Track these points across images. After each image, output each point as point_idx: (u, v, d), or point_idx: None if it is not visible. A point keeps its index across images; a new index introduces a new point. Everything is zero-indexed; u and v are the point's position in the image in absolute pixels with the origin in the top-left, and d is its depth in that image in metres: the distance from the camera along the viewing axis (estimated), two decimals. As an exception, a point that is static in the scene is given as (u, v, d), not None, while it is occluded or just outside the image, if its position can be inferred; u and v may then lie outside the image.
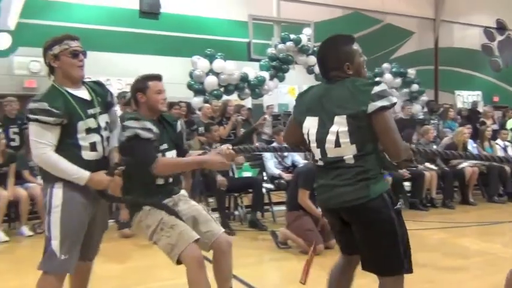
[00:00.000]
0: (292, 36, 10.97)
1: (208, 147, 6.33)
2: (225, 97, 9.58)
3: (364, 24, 15.75)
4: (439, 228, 5.95)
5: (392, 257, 2.30)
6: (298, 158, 6.73)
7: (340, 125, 2.27)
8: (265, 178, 6.79)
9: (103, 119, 2.82)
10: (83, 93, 2.77)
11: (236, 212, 6.62)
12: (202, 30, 12.74)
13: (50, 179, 2.68)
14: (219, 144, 6.46)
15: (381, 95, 2.23)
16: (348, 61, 2.36)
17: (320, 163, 2.39)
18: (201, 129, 7.35)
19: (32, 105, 2.61)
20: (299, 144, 2.55)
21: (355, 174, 2.26)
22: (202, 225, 2.97)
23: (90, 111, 2.75)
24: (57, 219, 2.64)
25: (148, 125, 2.90)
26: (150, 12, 12.41)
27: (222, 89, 9.77)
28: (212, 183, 6.03)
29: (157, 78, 3.08)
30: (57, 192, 2.66)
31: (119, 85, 11.06)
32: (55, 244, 2.62)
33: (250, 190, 6.27)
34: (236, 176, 6.55)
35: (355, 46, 2.42)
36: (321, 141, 2.35)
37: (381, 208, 2.26)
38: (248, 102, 10.96)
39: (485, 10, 17.42)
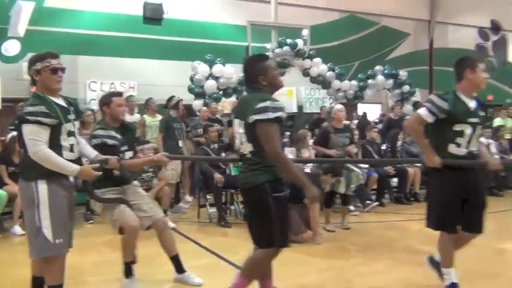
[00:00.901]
0: (288, 40, 11.37)
1: (207, 147, 6.85)
2: (223, 100, 10.03)
3: (360, 27, 16.14)
4: (418, 220, 6.42)
5: (265, 233, 2.87)
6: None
7: (241, 128, 2.97)
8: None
9: (76, 125, 3.21)
10: (61, 102, 3.12)
11: (232, 207, 7.10)
12: (203, 35, 13.16)
13: (32, 176, 2.98)
14: (217, 144, 7.01)
15: (261, 110, 2.77)
16: (261, 75, 2.96)
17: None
18: (200, 130, 7.85)
19: (30, 108, 2.93)
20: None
21: (249, 165, 2.95)
22: (144, 210, 3.86)
23: (69, 116, 3.11)
24: (46, 210, 2.95)
25: (113, 133, 3.80)
26: (153, 18, 12.82)
27: (221, 92, 10.20)
28: (210, 180, 6.51)
29: (119, 94, 4.01)
30: (43, 188, 2.96)
31: (122, 88, 11.49)
32: (47, 233, 2.94)
33: (245, 187, 6.74)
34: (232, 173, 6.97)
35: (269, 62, 3.02)
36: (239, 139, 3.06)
37: (260, 193, 2.86)
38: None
39: (479, 10, 17.60)
